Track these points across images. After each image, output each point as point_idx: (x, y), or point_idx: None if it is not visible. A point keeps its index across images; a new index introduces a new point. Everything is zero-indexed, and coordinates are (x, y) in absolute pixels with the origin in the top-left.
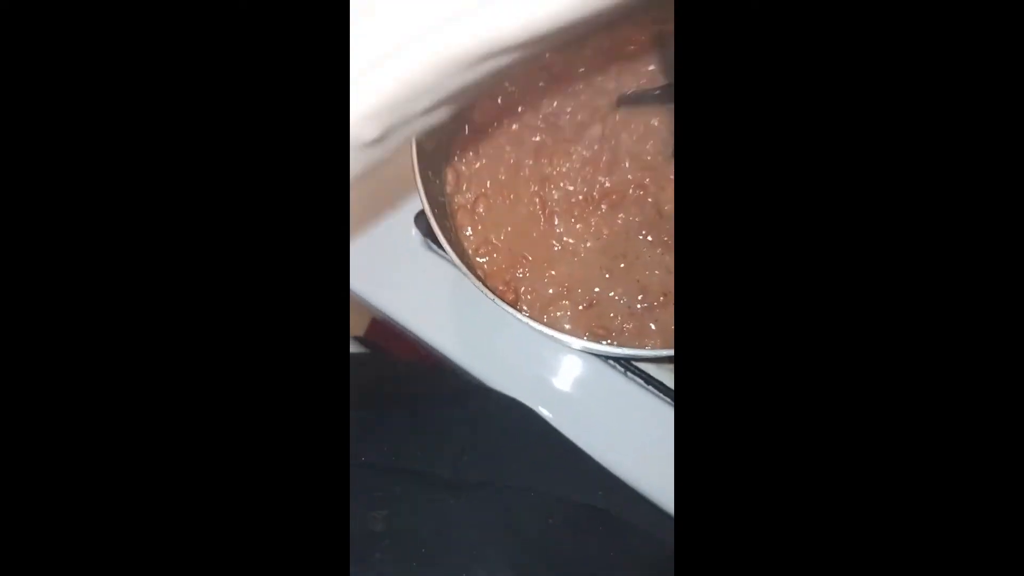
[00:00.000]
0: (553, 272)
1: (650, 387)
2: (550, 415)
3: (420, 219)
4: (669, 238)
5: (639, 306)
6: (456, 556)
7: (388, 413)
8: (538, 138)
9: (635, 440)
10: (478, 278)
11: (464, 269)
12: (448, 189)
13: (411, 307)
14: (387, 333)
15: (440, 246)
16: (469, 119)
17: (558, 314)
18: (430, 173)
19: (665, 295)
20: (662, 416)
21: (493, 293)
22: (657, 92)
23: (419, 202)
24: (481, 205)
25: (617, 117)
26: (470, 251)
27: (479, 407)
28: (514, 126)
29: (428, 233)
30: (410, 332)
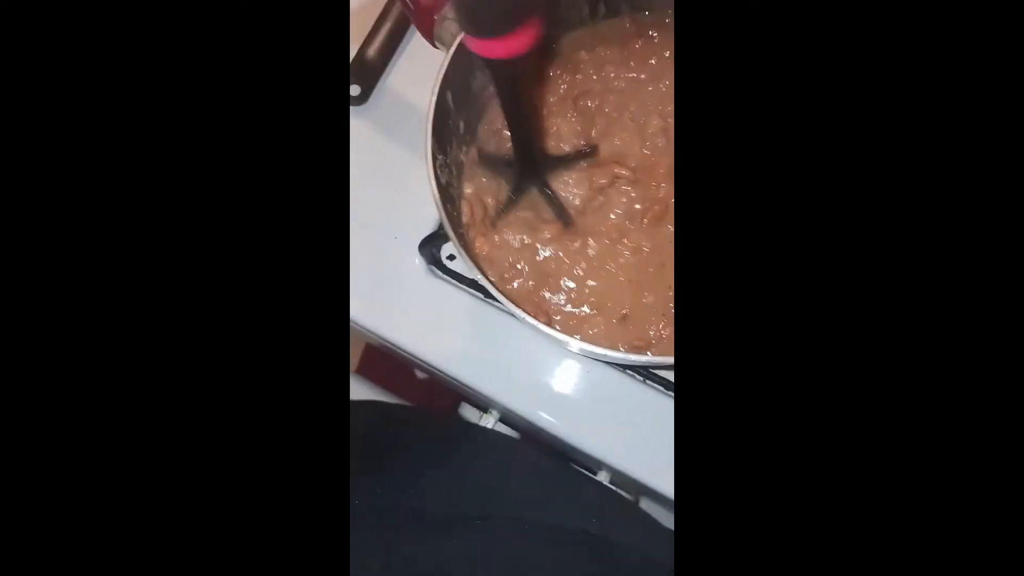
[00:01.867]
0: (586, 289)
1: (657, 385)
2: (555, 421)
3: (424, 247)
4: None
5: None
6: None
7: (382, 461)
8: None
9: (649, 439)
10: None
11: (488, 284)
12: (464, 219)
13: (418, 334)
14: (382, 363)
15: (445, 271)
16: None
17: (592, 331)
18: (448, 206)
19: None
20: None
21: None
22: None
23: (421, 231)
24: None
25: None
26: (493, 277)
27: (471, 448)
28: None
29: (433, 260)
30: (416, 359)
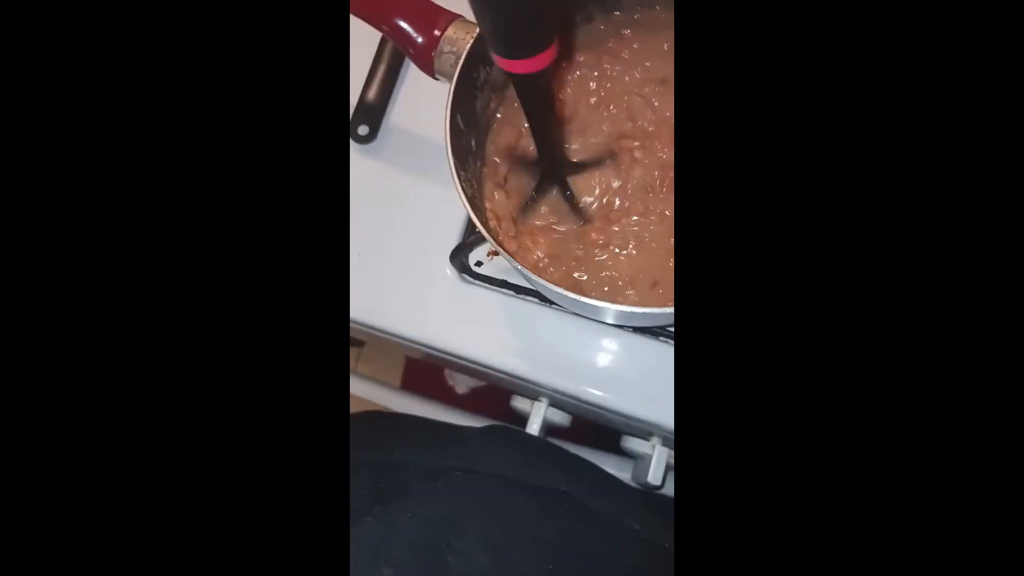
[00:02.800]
0: (616, 263)
1: None
2: (604, 394)
3: (455, 258)
4: None
5: None
6: (433, 529)
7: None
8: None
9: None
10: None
11: (522, 269)
12: (491, 224)
13: (461, 337)
14: (423, 376)
15: (476, 276)
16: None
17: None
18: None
19: None
20: None
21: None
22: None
23: (447, 245)
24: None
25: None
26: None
27: (456, 427)
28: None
29: (463, 269)
30: (463, 360)
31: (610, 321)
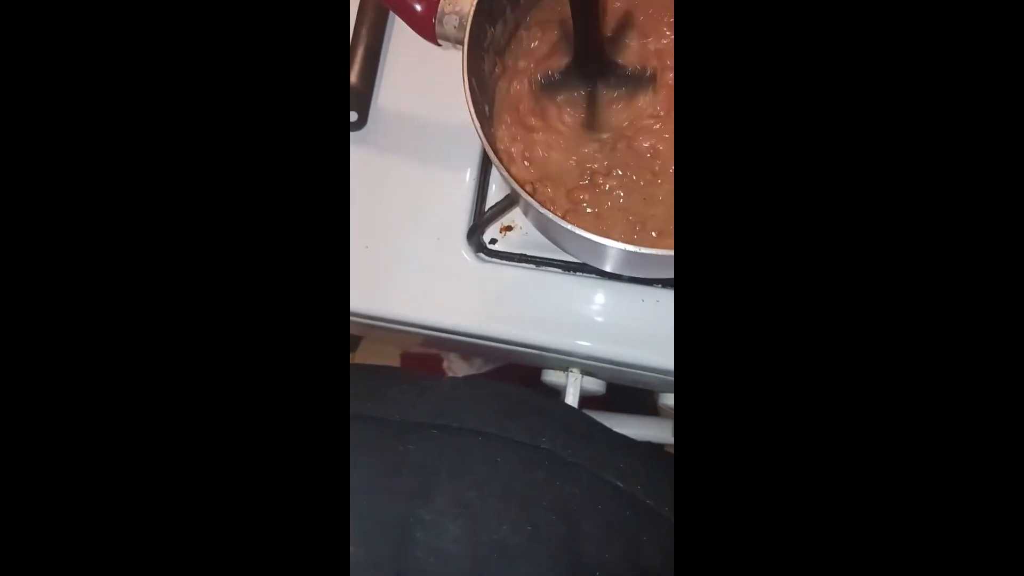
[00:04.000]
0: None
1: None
2: (639, 352)
3: (471, 237)
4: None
5: None
6: (401, 495)
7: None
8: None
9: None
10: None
11: (533, 202)
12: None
13: (487, 317)
14: (422, 365)
15: (492, 254)
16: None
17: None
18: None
19: None
20: None
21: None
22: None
23: (460, 226)
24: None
25: None
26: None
27: (434, 381)
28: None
29: (480, 247)
30: (492, 340)
31: (650, 274)
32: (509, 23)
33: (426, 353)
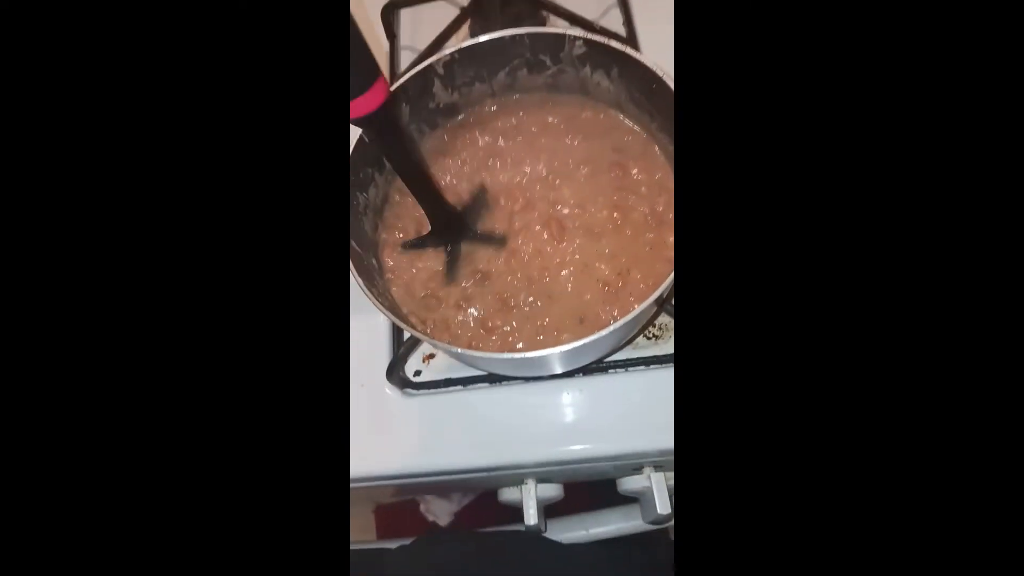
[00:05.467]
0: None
1: (638, 367)
2: (587, 446)
3: (392, 373)
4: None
5: (613, 288)
6: None
7: None
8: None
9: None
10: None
11: (468, 351)
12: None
13: (428, 453)
14: (398, 517)
15: (417, 386)
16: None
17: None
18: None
19: (619, 273)
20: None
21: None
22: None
23: (380, 366)
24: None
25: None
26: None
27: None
28: None
29: (403, 384)
30: (438, 475)
31: (559, 370)
32: (381, 188)
33: (400, 501)
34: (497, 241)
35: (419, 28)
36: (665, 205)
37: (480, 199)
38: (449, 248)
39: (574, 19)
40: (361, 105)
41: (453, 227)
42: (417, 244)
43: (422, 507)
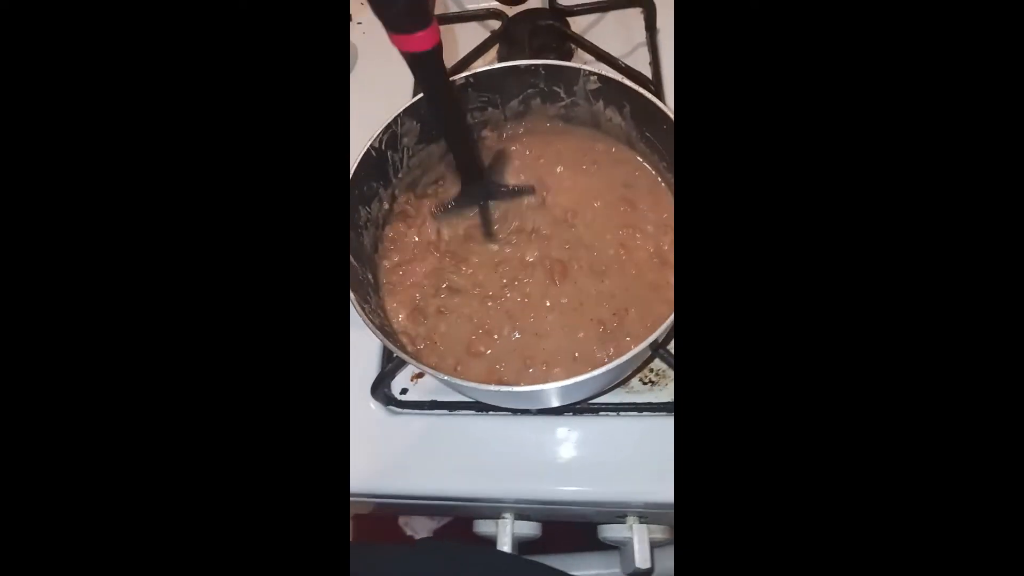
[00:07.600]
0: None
1: (630, 412)
2: (572, 488)
3: (377, 389)
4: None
5: (609, 328)
6: None
7: None
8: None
9: (654, 460)
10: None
11: (454, 379)
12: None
13: (405, 475)
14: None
15: (402, 405)
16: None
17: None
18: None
19: (615, 312)
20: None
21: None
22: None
23: (366, 381)
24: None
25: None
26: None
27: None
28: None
29: (388, 401)
30: (415, 498)
31: (555, 403)
32: (385, 200)
33: (379, 514)
34: (527, 192)
35: (450, 46)
36: (670, 245)
37: (501, 159)
38: (481, 205)
39: (600, 55)
40: (417, 41)
41: (482, 184)
42: (451, 208)
43: (401, 520)
